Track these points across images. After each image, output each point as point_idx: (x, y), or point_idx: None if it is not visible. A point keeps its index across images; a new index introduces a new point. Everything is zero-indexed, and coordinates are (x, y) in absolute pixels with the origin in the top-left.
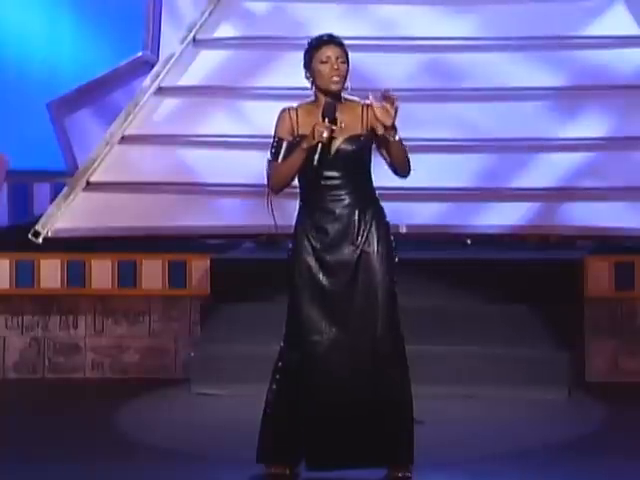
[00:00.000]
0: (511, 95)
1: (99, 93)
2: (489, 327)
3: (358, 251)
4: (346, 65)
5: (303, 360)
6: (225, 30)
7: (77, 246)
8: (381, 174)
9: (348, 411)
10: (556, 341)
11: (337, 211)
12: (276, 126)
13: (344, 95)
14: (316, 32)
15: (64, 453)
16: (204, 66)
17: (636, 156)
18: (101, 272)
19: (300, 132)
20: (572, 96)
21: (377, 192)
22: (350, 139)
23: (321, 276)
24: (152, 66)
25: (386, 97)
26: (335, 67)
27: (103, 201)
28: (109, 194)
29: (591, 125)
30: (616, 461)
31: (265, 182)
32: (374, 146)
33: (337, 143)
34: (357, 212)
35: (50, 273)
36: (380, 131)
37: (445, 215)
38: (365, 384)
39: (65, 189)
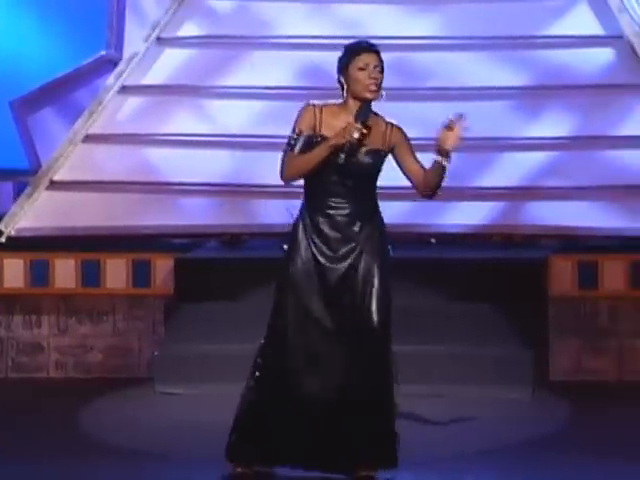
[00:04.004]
0: (475, 94)
1: (62, 92)
2: (454, 326)
3: (353, 262)
4: (382, 75)
5: (285, 359)
6: (189, 29)
7: (41, 245)
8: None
9: (331, 412)
10: (520, 340)
11: (338, 219)
12: (298, 117)
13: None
14: (280, 31)
15: (27, 453)
16: (168, 65)
17: (599, 155)
18: (65, 271)
19: (322, 131)
20: (535, 95)
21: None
22: (370, 152)
23: (316, 280)
24: (116, 65)
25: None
26: (373, 75)
27: (67, 200)
28: (73, 193)
29: (554, 124)
30: (580, 459)
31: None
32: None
33: (360, 152)
34: (357, 223)
35: (13, 272)
36: (438, 152)
37: (409, 214)
38: (350, 386)
39: (28, 188)
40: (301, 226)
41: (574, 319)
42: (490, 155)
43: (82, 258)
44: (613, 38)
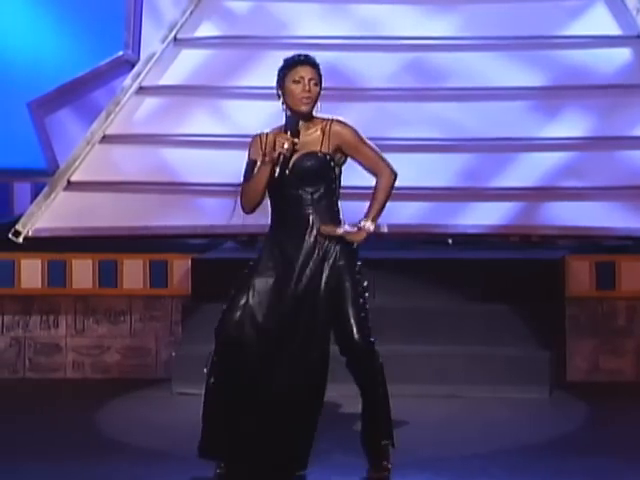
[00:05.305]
0: (493, 95)
1: (80, 92)
2: (471, 327)
3: (315, 272)
4: (318, 87)
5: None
6: (206, 29)
7: (58, 246)
8: (363, 174)
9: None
10: (537, 340)
11: (296, 229)
12: (248, 151)
13: (314, 114)
14: (297, 31)
15: (44, 453)
16: (185, 65)
17: (617, 156)
18: (82, 272)
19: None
20: (554, 96)
21: (357, 192)
22: (306, 155)
23: (275, 295)
24: (133, 65)
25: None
26: (307, 88)
27: (84, 201)
28: (90, 193)
29: (573, 125)
30: (597, 460)
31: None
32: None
33: (293, 159)
34: (315, 232)
35: (31, 273)
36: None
37: (427, 215)
38: (308, 389)
39: (46, 188)
40: (267, 241)
41: (591, 319)
42: (508, 155)
43: (99, 258)
44: (630, 38)
